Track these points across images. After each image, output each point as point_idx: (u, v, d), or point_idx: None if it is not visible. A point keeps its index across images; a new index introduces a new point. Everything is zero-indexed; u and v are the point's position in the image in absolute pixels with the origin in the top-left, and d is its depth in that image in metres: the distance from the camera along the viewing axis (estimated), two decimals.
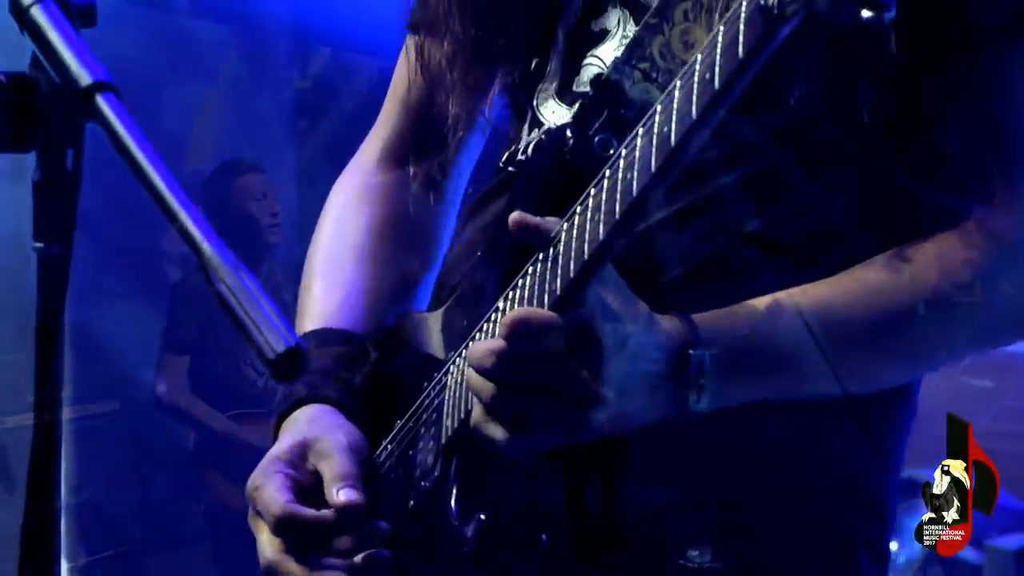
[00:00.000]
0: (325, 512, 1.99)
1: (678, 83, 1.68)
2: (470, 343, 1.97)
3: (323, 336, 2.16)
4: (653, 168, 1.69)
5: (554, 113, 2.07)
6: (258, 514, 2.02)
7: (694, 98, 1.64)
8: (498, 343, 1.79)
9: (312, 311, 2.19)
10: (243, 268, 1.39)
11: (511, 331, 1.78)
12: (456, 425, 1.97)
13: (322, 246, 2.25)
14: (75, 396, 5.40)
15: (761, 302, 1.90)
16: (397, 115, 2.26)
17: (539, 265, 1.86)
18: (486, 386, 1.82)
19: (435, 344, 2.08)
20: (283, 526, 1.98)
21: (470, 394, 1.90)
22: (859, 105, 1.89)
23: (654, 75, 1.92)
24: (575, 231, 1.80)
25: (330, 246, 2.24)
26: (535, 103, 2.09)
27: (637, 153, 1.72)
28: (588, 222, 1.78)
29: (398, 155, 2.27)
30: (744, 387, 1.89)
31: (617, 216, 1.73)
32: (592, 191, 1.79)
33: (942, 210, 1.93)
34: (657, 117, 1.70)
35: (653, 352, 1.83)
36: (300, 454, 2.04)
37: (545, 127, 2.07)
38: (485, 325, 1.96)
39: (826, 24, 1.53)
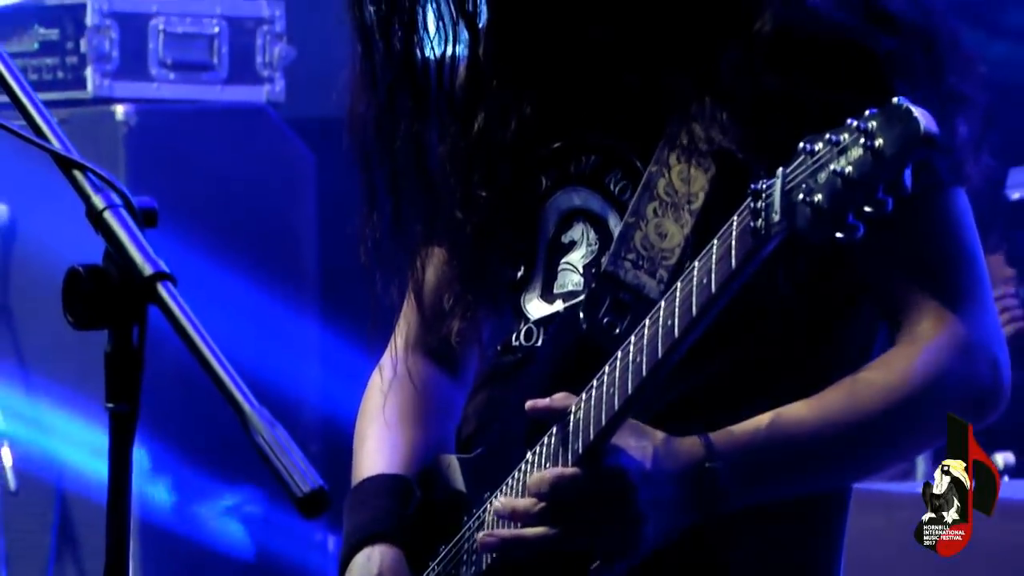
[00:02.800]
0: None
1: (679, 285, 2.08)
2: (505, 488, 2.30)
3: (379, 480, 2.47)
4: (660, 354, 2.10)
5: (537, 308, 2.39)
6: None
7: (693, 298, 2.05)
8: (532, 502, 2.18)
9: (367, 464, 2.51)
10: (277, 424, 1.66)
11: (551, 489, 2.16)
12: (495, 557, 2.29)
13: (367, 417, 2.56)
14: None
15: (763, 419, 2.22)
16: (414, 312, 2.55)
17: (561, 429, 2.21)
18: (527, 534, 2.19)
19: (468, 483, 2.40)
20: None
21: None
22: (820, 261, 2.22)
23: (640, 263, 2.26)
24: (592, 402, 2.17)
25: (374, 415, 2.55)
26: (522, 303, 2.41)
27: (645, 341, 2.11)
28: (604, 395, 2.15)
29: (417, 344, 2.57)
30: (756, 490, 2.22)
31: (630, 392, 2.12)
32: (607, 369, 2.17)
33: (890, 332, 2.27)
34: (662, 312, 2.10)
35: (675, 475, 2.17)
36: None
37: (534, 319, 2.39)
38: (516, 474, 2.29)
39: (804, 242, 1.92)
